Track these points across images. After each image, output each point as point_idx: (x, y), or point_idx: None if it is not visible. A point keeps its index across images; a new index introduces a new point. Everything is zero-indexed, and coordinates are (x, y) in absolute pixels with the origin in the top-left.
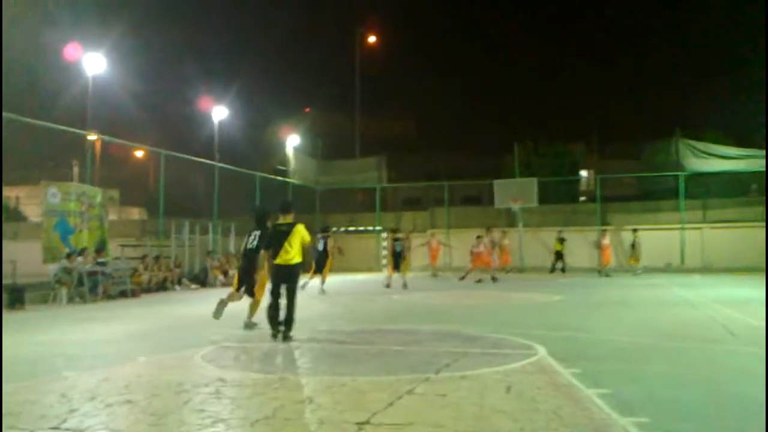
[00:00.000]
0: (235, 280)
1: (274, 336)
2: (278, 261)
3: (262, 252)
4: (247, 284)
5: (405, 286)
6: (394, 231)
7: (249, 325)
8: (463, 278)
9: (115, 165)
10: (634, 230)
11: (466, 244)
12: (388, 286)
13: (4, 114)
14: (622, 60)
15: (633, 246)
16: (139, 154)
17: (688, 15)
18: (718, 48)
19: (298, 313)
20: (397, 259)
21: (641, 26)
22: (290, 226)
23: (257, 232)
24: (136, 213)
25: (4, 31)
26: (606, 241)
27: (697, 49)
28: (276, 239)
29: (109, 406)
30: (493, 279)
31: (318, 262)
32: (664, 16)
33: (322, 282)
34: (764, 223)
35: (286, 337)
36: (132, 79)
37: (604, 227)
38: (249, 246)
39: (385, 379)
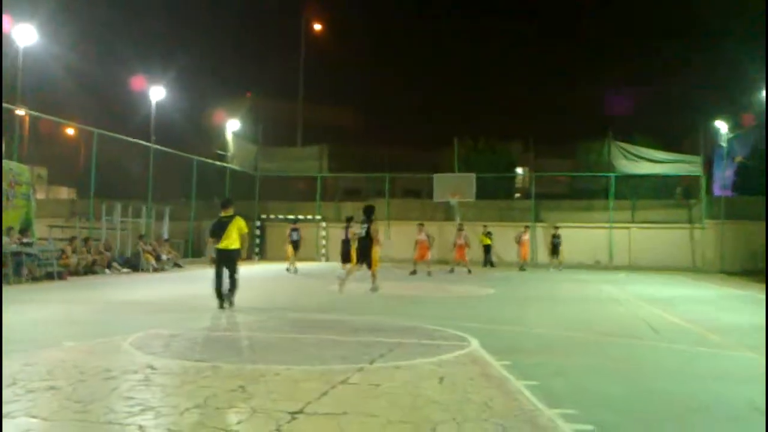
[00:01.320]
0: (354, 259)
1: (221, 306)
2: (220, 246)
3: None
4: (366, 261)
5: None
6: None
7: (375, 289)
8: (451, 271)
9: (45, 142)
10: (555, 227)
11: (407, 236)
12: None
13: None
14: (559, 61)
15: (554, 243)
16: (70, 131)
17: (621, 22)
18: (649, 57)
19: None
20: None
21: (575, 31)
22: (230, 218)
23: (366, 225)
24: (65, 193)
25: None
26: (526, 237)
27: (631, 57)
28: (218, 228)
29: (30, 392)
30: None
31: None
32: (598, 22)
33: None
34: (688, 225)
35: (231, 303)
36: (66, 53)
37: (525, 224)
38: (360, 235)
39: (319, 369)
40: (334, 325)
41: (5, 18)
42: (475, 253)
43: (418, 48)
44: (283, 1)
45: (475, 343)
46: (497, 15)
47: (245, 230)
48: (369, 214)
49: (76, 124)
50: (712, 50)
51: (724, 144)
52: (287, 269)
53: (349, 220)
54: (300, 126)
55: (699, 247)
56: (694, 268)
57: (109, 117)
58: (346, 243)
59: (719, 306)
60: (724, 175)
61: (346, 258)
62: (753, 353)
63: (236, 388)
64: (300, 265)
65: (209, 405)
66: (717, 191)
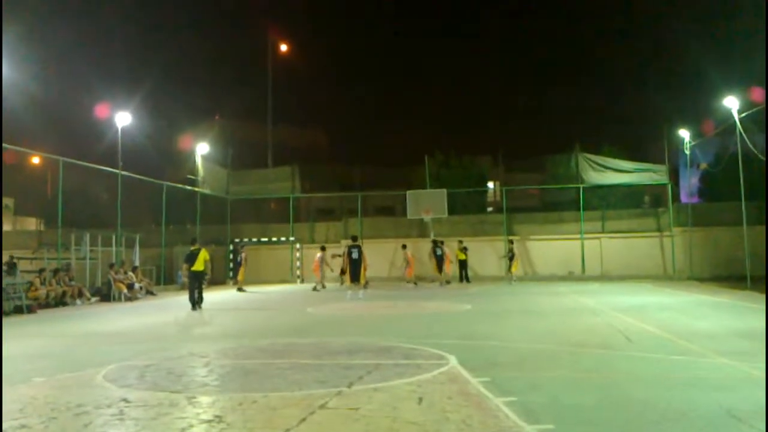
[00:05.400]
0: (348, 277)
1: (193, 308)
2: (193, 269)
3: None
4: (357, 277)
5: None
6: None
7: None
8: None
9: (10, 172)
10: (510, 241)
11: (380, 255)
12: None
13: None
14: (526, 77)
15: (511, 256)
16: (36, 160)
17: (587, 41)
18: (616, 72)
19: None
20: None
21: (544, 49)
22: (198, 250)
23: (356, 249)
24: (32, 223)
25: None
26: (438, 251)
27: (596, 72)
28: (191, 257)
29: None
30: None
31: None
32: (567, 40)
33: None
34: (657, 233)
35: (200, 307)
36: (29, 80)
37: (432, 239)
38: (354, 257)
39: (297, 394)
40: (310, 348)
41: None
42: (451, 268)
43: (386, 67)
44: (250, 22)
45: (453, 361)
46: (464, 34)
47: (207, 258)
48: (357, 241)
49: (42, 152)
50: (672, 59)
51: (687, 152)
52: (239, 289)
53: (355, 239)
54: (270, 147)
55: (668, 254)
56: (665, 276)
57: (75, 144)
58: (354, 263)
59: (691, 313)
60: (690, 182)
61: (355, 277)
62: (727, 360)
63: (212, 418)
64: (274, 287)
65: None
66: (684, 198)
